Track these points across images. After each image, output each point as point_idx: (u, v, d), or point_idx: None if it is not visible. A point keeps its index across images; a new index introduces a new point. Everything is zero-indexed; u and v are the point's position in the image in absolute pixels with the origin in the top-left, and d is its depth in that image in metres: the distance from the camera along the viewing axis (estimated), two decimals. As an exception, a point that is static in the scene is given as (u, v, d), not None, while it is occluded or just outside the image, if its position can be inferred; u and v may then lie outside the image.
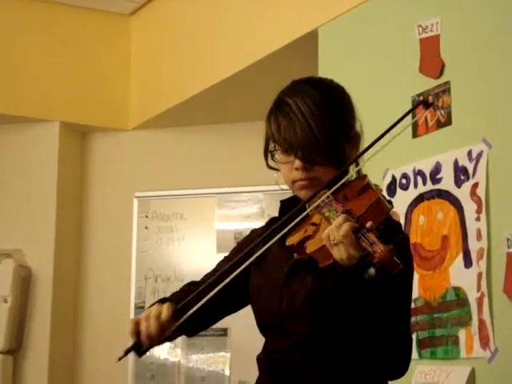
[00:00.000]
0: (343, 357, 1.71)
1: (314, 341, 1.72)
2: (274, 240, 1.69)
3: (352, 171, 1.78)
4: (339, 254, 1.56)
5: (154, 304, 1.82)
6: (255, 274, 1.86)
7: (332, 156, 1.74)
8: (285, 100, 1.77)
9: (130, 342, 1.78)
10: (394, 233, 1.63)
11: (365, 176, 1.74)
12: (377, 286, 1.57)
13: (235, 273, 1.71)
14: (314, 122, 1.72)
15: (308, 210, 1.70)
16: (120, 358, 1.75)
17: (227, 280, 1.71)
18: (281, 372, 1.75)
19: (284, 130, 1.75)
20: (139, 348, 1.75)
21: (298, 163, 1.74)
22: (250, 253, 1.73)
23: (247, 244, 1.88)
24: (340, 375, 1.70)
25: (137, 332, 1.75)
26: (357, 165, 1.80)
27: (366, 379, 1.72)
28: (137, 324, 1.75)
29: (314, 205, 1.69)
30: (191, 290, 1.82)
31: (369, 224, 1.55)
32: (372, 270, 1.50)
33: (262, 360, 1.80)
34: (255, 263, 1.83)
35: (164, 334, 1.75)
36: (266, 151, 1.82)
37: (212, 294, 1.72)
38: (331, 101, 1.77)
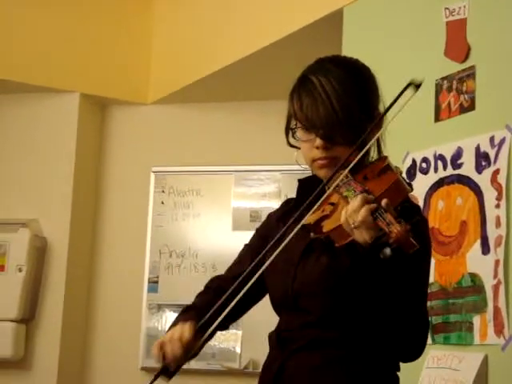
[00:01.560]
0: (355, 337, 1.70)
1: (327, 320, 1.72)
2: (293, 233, 1.67)
3: (373, 152, 1.77)
4: (361, 236, 1.56)
5: (176, 321, 1.82)
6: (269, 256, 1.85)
7: (353, 136, 1.72)
8: (309, 78, 1.76)
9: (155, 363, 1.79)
10: (412, 215, 1.62)
11: (385, 157, 1.73)
12: (393, 267, 1.56)
13: (254, 278, 1.70)
14: (336, 101, 1.71)
15: (328, 192, 1.69)
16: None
17: (247, 286, 1.70)
18: (292, 350, 1.75)
19: (306, 108, 1.74)
20: (167, 371, 1.76)
21: (318, 142, 1.73)
22: (267, 253, 1.72)
23: (265, 231, 1.88)
24: (352, 355, 1.70)
25: (162, 355, 1.75)
26: (378, 146, 1.79)
27: (378, 360, 1.71)
28: (161, 347, 1.76)
29: (334, 184, 1.68)
30: (213, 299, 1.81)
31: (385, 203, 1.54)
32: (388, 250, 1.49)
33: (274, 337, 1.80)
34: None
35: (189, 354, 1.75)
36: (288, 128, 1.81)
37: (232, 304, 1.71)
38: (355, 80, 1.76)
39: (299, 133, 1.78)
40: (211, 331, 1.74)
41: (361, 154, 1.69)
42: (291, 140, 1.81)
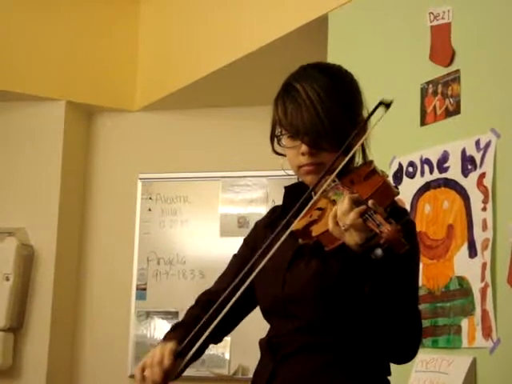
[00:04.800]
0: (347, 342, 1.70)
1: (317, 325, 1.72)
2: (281, 240, 1.67)
3: (358, 157, 1.77)
4: (352, 239, 1.56)
5: (163, 339, 1.82)
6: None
7: (338, 142, 1.73)
8: (293, 85, 1.77)
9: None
10: (399, 218, 1.63)
11: (371, 162, 1.74)
12: (384, 267, 1.56)
13: (240, 290, 1.69)
14: (320, 107, 1.72)
15: (316, 197, 1.69)
16: None
17: (233, 300, 1.69)
18: (282, 355, 1.75)
19: (291, 115, 1.74)
20: None
21: (304, 148, 1.74)
22: (256, 262, 1.71)
23: (253, 241, 1.88)
24: (344, 360, 1.70)
25: (143, 379, 1.76)
26: (363, 151, 1.80)
27: (370, 365, 1.72)
28: (143, 371, 1.76)
29: (321, 189, 1.69)
30: (200, 314, 1.81)
31: (373, 204, 1.54)
32: (379, 251, 1.50)
33: (265, 343, 1.81)
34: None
35: (169, 379, 1.76)
36: (273, 136, 1.82)
37: (216, 322, 1.70)
38: (339, 87, 1.76)
39: (284, 140, 1.78)
40: (192, 355, 1.74)
41: (347, 158, 1.69)
42: (276, 147, 1.82)
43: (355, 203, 1.56)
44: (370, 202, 1.55)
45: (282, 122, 1.77)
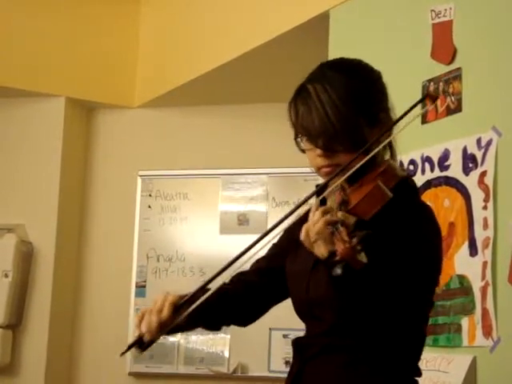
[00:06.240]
0: (371, 343, 1.68)
1: (339, 328, 1.71)
2: (275, 230, 1.69)
3: (387, 154, 1.75)
4: (320, 251, 1.55)
5: None
6: (289, 261, 1.85)
7: (353, 143, 1.69)
8: (306, 86, 1.73)
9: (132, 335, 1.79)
10: (401, 222, 1.61)
11: (385, 162, 1.71)
12: (347, 283, 1.54)
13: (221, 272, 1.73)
14: (331, 110, 1.68)
15: (319, 198, 1.67)
16: (123, 353, 1.79)
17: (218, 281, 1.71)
18: (307, 356, 1.75)
19: (302, 118, 1.72)
20: (142, 343, 1.76)
21: (318, 151, 1.71)
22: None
23: (292, 229, 1.85)
24: (368, 359, 1.69)
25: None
26: (390, 147, 1.76)
27: (395, 364, 1.70)
28: (142, 317, 1.75)
29: (325, 193, 1.67)
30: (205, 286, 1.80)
31: (341, 218, 1.53)
32: (338, 269, 1.48)
33: (294, 343, 1.81)
34: (291, 250, 1.82)
35: (164, 330, 1.74)
36: (296, 136, 1.79)
37: (210, 293, 1.73)
38: (354, 85, 1.71)
39: (303, 141, 1.75)
40: (189, 312, 1.73)
41: (356, 166, 1.65)
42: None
43: (325, 214, 1.54)
44: (339, 214, 1.53)
45: (295, 124, 1.75)
